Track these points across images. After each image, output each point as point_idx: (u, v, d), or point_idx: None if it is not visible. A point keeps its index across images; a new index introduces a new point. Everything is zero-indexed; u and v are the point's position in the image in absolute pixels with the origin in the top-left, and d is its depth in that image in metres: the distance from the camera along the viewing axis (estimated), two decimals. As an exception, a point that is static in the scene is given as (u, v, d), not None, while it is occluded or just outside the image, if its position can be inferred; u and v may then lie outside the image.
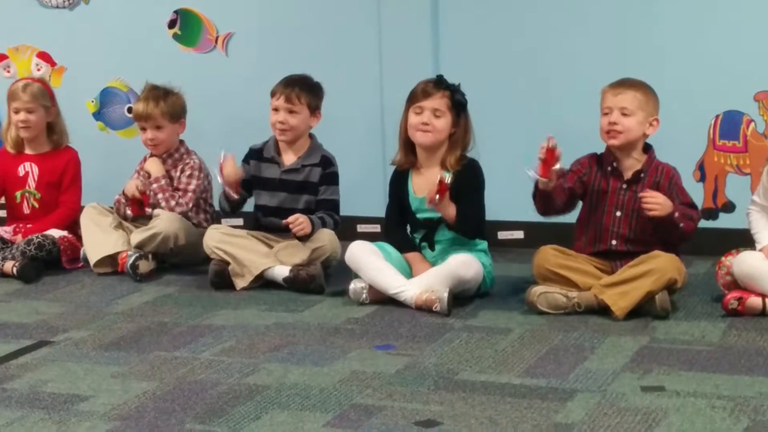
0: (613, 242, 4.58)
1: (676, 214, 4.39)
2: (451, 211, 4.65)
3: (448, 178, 4.57)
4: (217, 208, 5.44)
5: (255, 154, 5.24)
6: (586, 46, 5.41)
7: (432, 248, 4.78)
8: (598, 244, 4.60)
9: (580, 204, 4.68)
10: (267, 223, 5.20)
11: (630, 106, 4.49)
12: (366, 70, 5.74)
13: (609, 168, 4.59)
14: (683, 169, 4.74)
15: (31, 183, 5.63)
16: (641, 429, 3.23)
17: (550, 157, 4.38)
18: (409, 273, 4.72)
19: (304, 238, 4.97)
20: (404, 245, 4.81)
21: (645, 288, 4.33)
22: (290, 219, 4.94)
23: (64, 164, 5.65)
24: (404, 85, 4.83)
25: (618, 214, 4.58)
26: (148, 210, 5.41)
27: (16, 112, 5.55)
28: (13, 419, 3.43)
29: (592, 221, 4.62)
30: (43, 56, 6.30)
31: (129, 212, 5.45)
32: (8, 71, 6.32)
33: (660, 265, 4.35)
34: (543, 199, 4.55)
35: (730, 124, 5.31)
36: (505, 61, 5.55)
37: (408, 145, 4.82)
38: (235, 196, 5.08)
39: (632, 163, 4.57)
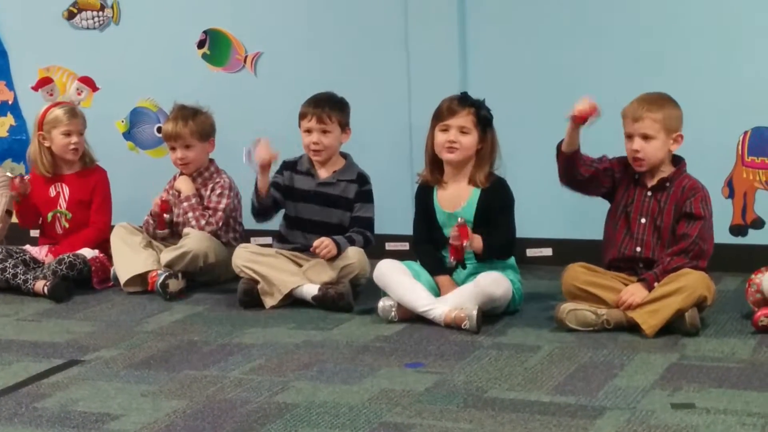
0: (638, 249, 4.57)
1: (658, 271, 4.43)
2: (477, 244, 4.67)
3: (462, 220, 4.62)
4: (246, 225, 5.46)
5: (289, 166, 5.26)
6: (614, 61, 5.40)
7: (464, 267, 4.78)
8: (623, 249, 4.59)
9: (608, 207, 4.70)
10: (294, 237, 5.20)
11: (650, 131, 4.48)
12: (394, 88, 5.74)
13: (636, 176, 4.60)
14: (712, 185, 4.73)
15: (62, 203, 5.67)
16: (671, 447, 3.23)
17: (586, 112, 4.35)
18: (437, 292, 4.72)
19: (331, 259, 4.98)
20: (436, 268, 4.79)
21: (675, 306, 4.32)
22: (316, 243, 4.95)
23: (94, 184, 5.70)
24: (432, 103, 4.84)
25: (643, 221, 4.57)
26: (167, 216, 5.44)
27: (68, 134, 5.60)
28: (45, 438, 3.46)
29: (619, 227, 4.62)
30: (86, 81, 6.34)
31: (156, 230, 5.48)
32: (51, 94, 6.36)
33: (690, 283, 4.34)
34: (564, 161, 4.52)
35: (758, 140, 5.28)
36: (533, 77, 5.55)
37: (434, 163, 4.84)
38: (266, 184, 5.05)
39: (658, 173, 4.57)
